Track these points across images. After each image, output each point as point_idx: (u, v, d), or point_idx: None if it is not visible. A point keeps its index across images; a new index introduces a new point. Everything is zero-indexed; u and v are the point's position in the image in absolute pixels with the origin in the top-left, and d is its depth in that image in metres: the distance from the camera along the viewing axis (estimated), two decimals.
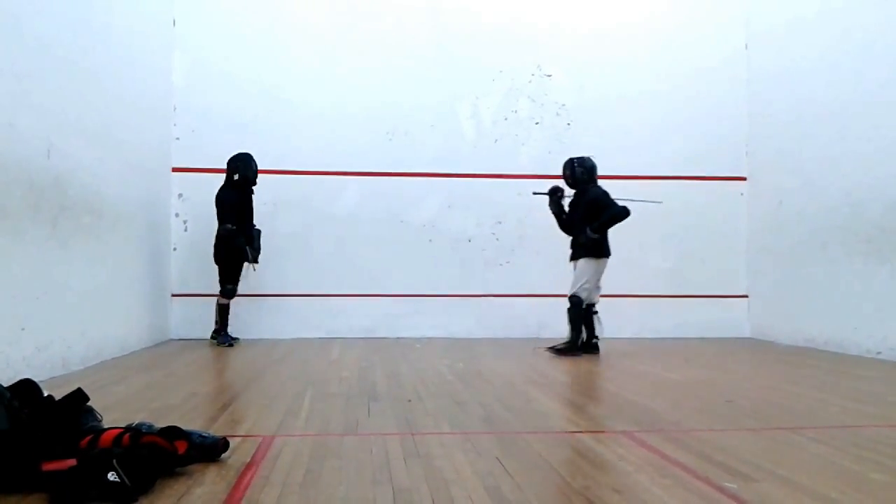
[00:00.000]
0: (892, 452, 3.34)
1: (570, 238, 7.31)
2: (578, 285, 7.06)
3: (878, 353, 6.91)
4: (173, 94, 8.42)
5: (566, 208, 7.39)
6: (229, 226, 7.59)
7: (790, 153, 8.37)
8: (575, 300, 7.05)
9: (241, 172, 7.67)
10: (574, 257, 7.23)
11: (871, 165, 7.08)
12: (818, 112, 7.86)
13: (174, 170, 8.40)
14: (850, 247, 7.38)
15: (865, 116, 7.16)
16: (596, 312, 7.23)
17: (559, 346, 7.03)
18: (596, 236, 7.05)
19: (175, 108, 8.43)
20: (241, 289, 8.40)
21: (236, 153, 7.76)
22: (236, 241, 7.61)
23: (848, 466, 3.12)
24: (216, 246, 7.72)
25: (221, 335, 7.73)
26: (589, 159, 7.38)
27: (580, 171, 7.31)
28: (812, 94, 7.97)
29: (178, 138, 8.43)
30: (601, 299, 7.29)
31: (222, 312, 7.76)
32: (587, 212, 7.13)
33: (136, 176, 7.27)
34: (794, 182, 8.29)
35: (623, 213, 7.04)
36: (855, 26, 7.36)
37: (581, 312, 7.06)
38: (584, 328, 7.09)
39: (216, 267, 7.76)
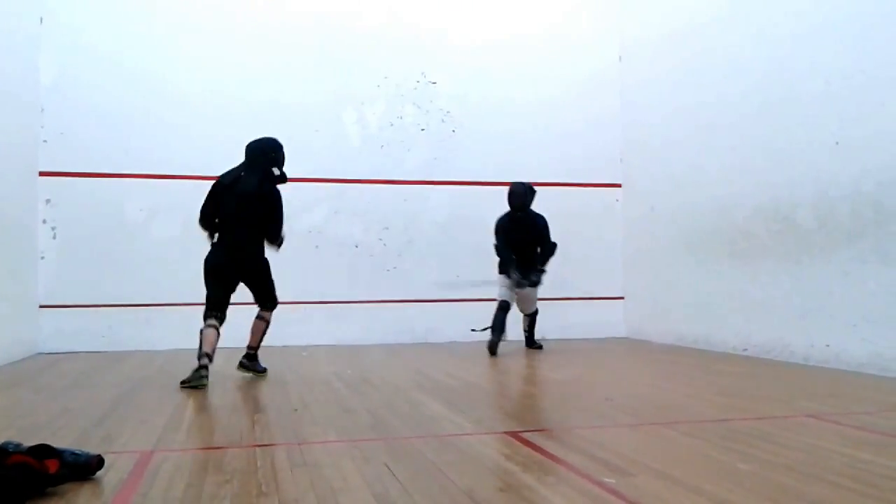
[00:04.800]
0: (758, 443, 3.56)
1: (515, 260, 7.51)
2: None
3: (745, 349, 7.34)
4: (40, 94, 7.97)
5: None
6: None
7: (661, 161, 8.79)
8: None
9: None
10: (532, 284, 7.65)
11: (735, 173, 7.52)
12: (687, 122, 8.29)
13: (41, 174, 7.93)
14: (716, 250, 7.82)
15: (730, 127, 7.60)
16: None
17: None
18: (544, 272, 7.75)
19: (42, 110, 7.97)
20: (114, 298, 8.07)
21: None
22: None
23: (718, 458, 3.31)
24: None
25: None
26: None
27: (532, 197, 7.68)
28: (681, 105, 8.39)
29: (45, 141, 7.98)
30: None
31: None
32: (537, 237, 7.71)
33: None
34: (664, 188, 8.71)
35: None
36: (720, 41, 7.80)
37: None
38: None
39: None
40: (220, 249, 5.91)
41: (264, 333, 6.11)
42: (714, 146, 7.84)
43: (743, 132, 7.41)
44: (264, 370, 6.13)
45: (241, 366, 6.03)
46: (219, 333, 5.67)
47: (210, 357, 5.54)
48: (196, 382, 5.36)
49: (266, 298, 6.07)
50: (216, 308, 5.73)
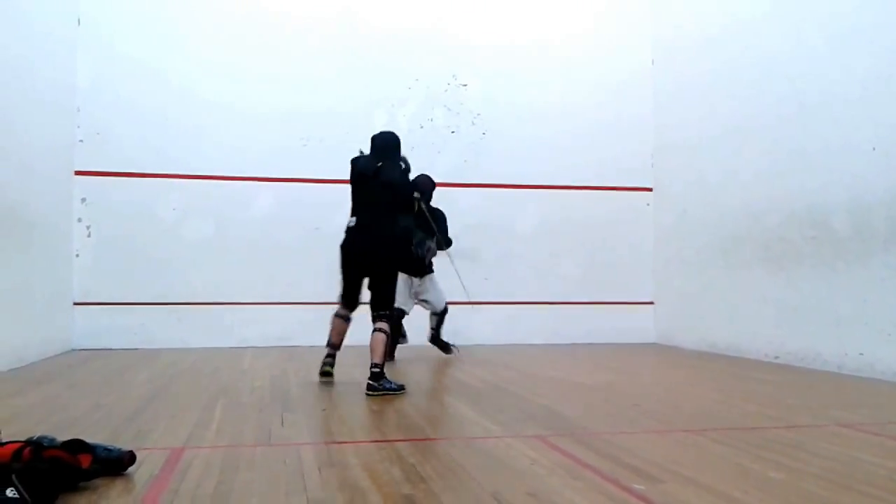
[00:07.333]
0: (790, 452, 3.51)
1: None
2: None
3: (776, 357, 7.24)
4: (77, 94, 8.11)
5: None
6: None
7: (693, 165, 8.70)
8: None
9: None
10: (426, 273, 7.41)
11: (768, 178, 7.42)
12: (719, 126, 8.20)
13: (77, 173, 8.07)
14: (749, 255, 7.73)
15: (763, 131, 7.51)
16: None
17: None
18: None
19: (79, 110, 8.11)
20: (147, 296, 8.18)
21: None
22: None
23: (749, 466, 3.27)
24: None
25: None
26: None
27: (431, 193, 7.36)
28: (714, 109, 8.31)
29: (81, 140, 8.12)
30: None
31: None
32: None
33: (36, 180, 6.95)
34: (696, 193, 8.62)
35: None
36: (754, 45, 7.71)
37: None
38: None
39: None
40: None
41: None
42: (747, 150, 7.75)
43: (777, 136, 7.32)
44: None
45: None
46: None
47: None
48: None
49: None
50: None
